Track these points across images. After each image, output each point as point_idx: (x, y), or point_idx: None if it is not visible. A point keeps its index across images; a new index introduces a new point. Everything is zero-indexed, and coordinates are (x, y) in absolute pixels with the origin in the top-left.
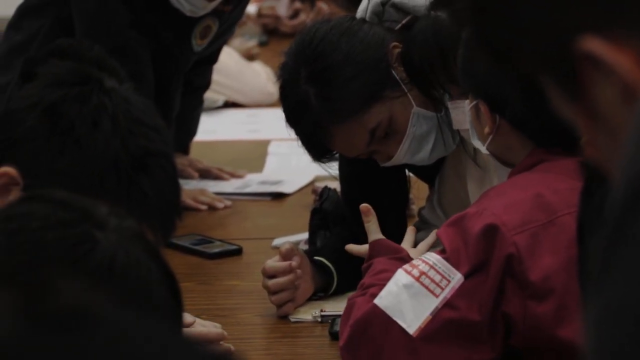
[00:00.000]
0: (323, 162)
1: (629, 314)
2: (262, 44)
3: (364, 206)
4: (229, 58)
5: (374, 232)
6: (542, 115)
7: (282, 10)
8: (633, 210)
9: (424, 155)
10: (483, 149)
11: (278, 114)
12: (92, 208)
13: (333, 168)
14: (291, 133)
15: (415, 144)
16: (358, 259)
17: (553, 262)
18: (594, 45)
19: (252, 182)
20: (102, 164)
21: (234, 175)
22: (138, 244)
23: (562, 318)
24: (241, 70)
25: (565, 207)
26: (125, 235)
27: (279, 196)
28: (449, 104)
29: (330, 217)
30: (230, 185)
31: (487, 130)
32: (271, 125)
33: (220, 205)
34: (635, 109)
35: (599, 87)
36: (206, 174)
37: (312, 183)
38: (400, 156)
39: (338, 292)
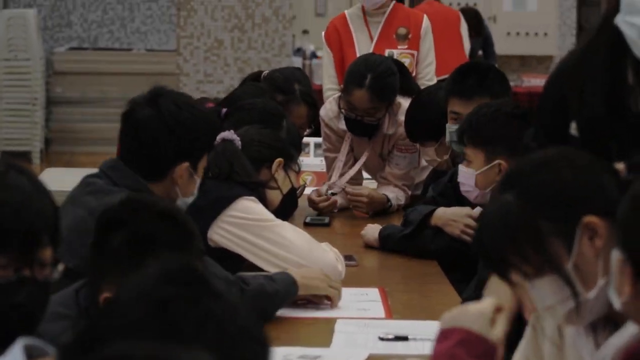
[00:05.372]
0: None
1: None
2: (325, 225)
3: None
4: (298, 236)
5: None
6: None
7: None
8: None
9: None
10: (617, 303)
11: (347, 293)
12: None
13: None
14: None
15: None
16: None
17: None
18: None
19: (292, 355)
20: None
21: None
22: None
23: None
24: (310, 247)
25: None
26: None
27: None
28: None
29: None
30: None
31: (626, 291)
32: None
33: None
34: None
35: None
36: None
37: None
38: None
39: None
